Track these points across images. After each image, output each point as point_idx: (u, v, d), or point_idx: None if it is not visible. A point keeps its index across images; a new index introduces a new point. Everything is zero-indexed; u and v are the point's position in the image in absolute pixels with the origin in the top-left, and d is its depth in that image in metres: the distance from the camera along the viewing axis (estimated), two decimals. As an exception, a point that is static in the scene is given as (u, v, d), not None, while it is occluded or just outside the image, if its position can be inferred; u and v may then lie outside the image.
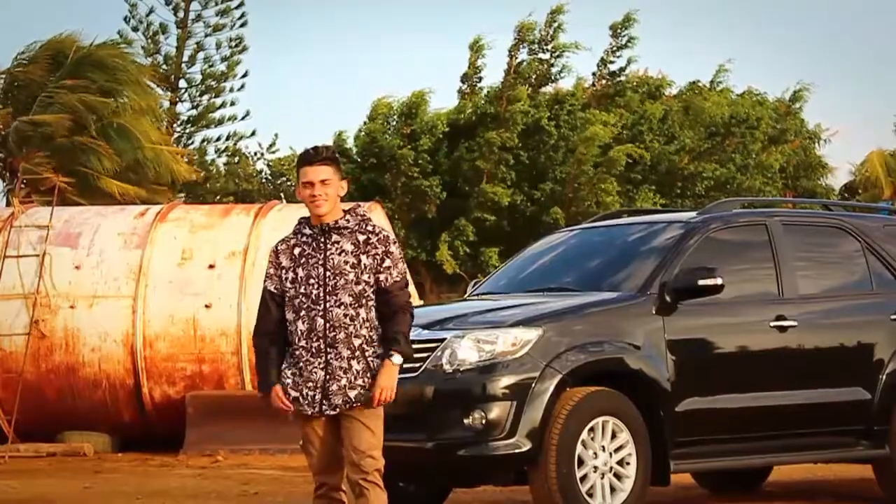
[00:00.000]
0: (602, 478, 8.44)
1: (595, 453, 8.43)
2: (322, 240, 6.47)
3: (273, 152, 40.59)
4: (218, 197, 35.84)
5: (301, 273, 6.45)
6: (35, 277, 15.82)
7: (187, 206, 17.76)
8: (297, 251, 6.50)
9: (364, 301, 6.42)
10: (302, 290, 6.44)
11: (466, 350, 8.31)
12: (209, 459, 14.51)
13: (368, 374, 6.41)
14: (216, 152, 39.24)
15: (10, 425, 15.54)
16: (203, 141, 38.91)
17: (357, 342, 6.40)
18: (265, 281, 6.60)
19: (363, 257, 6.43)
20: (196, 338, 15.65)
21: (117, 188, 24.37)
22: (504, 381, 8.26)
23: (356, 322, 6.40)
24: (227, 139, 39.27)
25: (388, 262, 6.45)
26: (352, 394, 6.39)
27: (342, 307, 6.39)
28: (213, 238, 16.14)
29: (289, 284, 6.48)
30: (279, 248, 6.59)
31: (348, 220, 6.47)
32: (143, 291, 15.73)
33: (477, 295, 9.98)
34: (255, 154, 40.55)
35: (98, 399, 15.70)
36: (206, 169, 38.01)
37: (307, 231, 6.53)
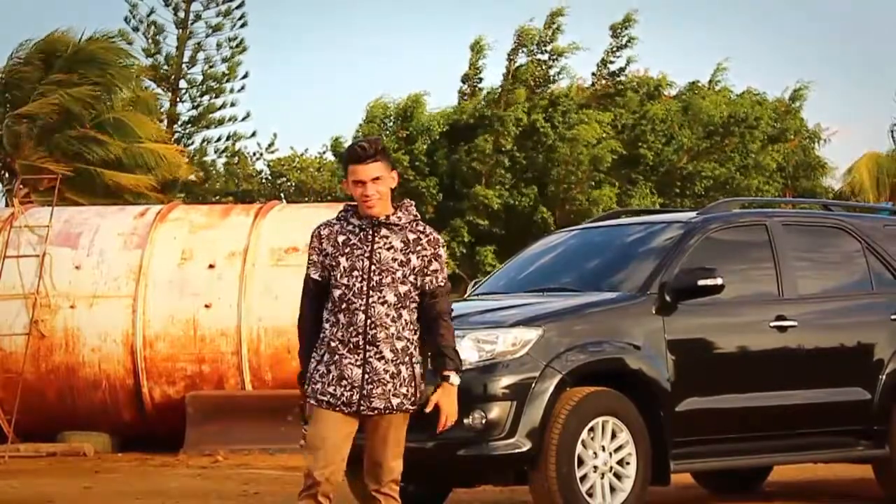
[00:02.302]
0: (602, 478, 8.44)
1: (595, 453, 8.42)
2: (370, 232, 6.14)
3: (272, 152, 40.68)
4: (218, 197, 35.86)
5: (345, 263, 6.11)
6: (35, 277, 15.81)
7: (187, 206, 17.77)
8: (341, 239, 6.16)
9: (408, 303, 6.11)
10: (344, 282, 6.09)
11: (466, 350, 8.27)
12: (209, 459, 14.51)
13: (413, 383, 6.17)
14: (216, 152, 39.30)
15: (10, 425, 15.54)
16: (203, 141, 38.95)
17: (400, 345, 6.10)
18: (308, 268, 6.22)
19: (412, 257, 6.13)
20: (196, 338, 15.65)
21: (116, 181, 24.37)
22: (504, 381, 8.25)
23: (398, 323, 6.09)
24: (227, 139, 39.32)
25: (435, 266, 6.17)
26: (395, 401, 6.12)
27: (385, 305, 6.07)
28: (212, 238, 16.14)
29: (332, 273, 6.13)
30: (322, 232, 6.22)
31: (400, 218, 6.17)
32: (143, 291, 15.73)
33: (477, 295, 9.98)
34: (255, 154, 40.63)
35: (98, 399, 15.70)
36: (206, 169, 38.04)
37: (354, 221, 6.18)
